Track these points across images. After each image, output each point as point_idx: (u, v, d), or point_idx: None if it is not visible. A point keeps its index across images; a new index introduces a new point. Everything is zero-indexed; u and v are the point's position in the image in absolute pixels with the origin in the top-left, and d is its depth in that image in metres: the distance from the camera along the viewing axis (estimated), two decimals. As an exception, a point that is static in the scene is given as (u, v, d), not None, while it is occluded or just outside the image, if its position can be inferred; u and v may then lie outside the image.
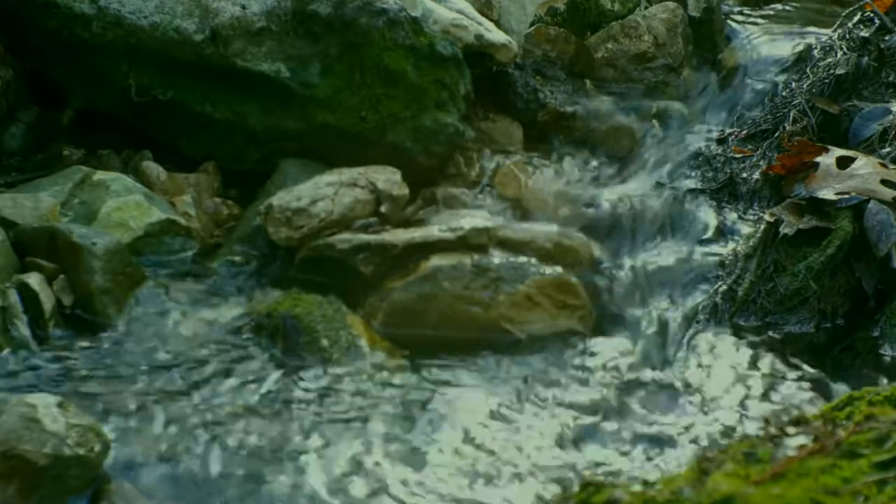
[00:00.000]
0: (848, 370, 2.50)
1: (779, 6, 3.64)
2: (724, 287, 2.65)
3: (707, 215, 2.87)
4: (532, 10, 3.28)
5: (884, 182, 2.67)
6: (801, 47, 3.25)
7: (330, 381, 2.35)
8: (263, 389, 2.31)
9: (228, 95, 2.90)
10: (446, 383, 2.40)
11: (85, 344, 2.41)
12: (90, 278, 2.46)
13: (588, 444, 2.24)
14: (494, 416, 2.30)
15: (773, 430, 1.38)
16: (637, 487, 1.33)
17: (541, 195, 2.88)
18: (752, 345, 2.56)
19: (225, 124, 2.92)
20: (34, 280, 2.42)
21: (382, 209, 2.75)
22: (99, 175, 2.77)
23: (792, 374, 2.47)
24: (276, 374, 2.36)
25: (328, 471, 2.11)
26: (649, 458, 2.21)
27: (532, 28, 3.23)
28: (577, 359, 2.51)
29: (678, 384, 2.43)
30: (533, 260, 2.64)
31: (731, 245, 2.76)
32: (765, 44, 3.35)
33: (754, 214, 2.84)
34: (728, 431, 2.27)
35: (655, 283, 2.71)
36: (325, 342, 2.41)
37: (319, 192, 2.72)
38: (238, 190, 2.95)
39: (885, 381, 2.40)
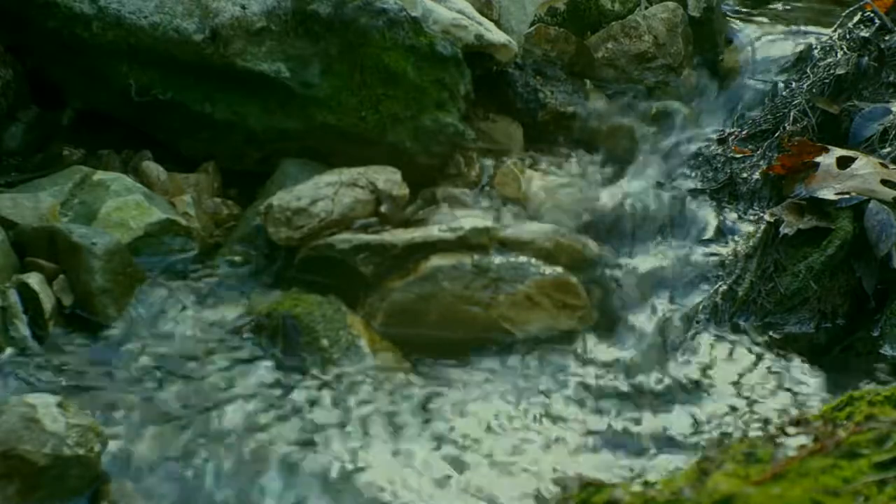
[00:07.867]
0: (848, 370, 2.50)
1: (779, 6, 3.64)
2: (724, 287, 2.65)
3: (707, 215, 2.87)
4: (532, 10, 3.28)
5: (884, 182, 2.67)
6: (801, 47, 3.25)
7: (330, 381, 2.35)
8: (263, 390, 2.31)
9: (228, 95, 2.90)
10: (446, 383, 2.40)
11: (85, 344, 2.41)
12: (90, 278, 2.46)
13: (588, 444, 2.25)
14: (494, 416, 2.30)
15: (773, 430, 1.38)
16: (637, 487, 1.33)
17: (540, 195, 2.88)
18: (752, 345, 2.55)
19: (225, 124, 2.92)
20: (34, 280, 2.42)
21: (382, 209, 2.75)
22: (99, 175, 2.77)
23: (792, 374, 2.47)
24: (276, 375, 2.36)
25: (327, 471, 2.11)
26: (649, 459, 2.21)
27: (532, 28, 3.22)
28: (578, 359, 2.51)
29: (678, 384, 2.43)
30: (533, 260, 2.64)
31: (731, 245, 2.76)
32: (765, 44, 3.35)
33: (754, 214, 2.84)
34: (728, 431, 2.27)
35: (655, 282, 2.71)
36: (325, 342, 2.41)
37: (319, 192, 2.72)
38: (238, 190, 2.95)
39: (885, 381, 2.40)
